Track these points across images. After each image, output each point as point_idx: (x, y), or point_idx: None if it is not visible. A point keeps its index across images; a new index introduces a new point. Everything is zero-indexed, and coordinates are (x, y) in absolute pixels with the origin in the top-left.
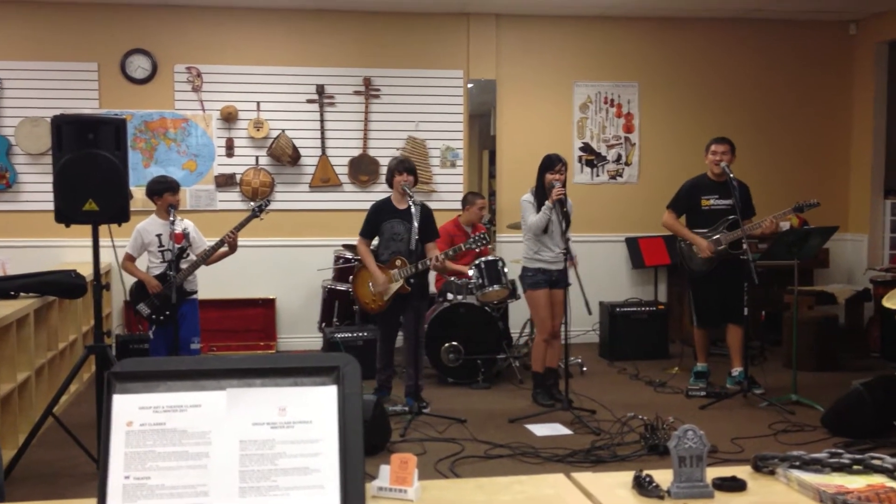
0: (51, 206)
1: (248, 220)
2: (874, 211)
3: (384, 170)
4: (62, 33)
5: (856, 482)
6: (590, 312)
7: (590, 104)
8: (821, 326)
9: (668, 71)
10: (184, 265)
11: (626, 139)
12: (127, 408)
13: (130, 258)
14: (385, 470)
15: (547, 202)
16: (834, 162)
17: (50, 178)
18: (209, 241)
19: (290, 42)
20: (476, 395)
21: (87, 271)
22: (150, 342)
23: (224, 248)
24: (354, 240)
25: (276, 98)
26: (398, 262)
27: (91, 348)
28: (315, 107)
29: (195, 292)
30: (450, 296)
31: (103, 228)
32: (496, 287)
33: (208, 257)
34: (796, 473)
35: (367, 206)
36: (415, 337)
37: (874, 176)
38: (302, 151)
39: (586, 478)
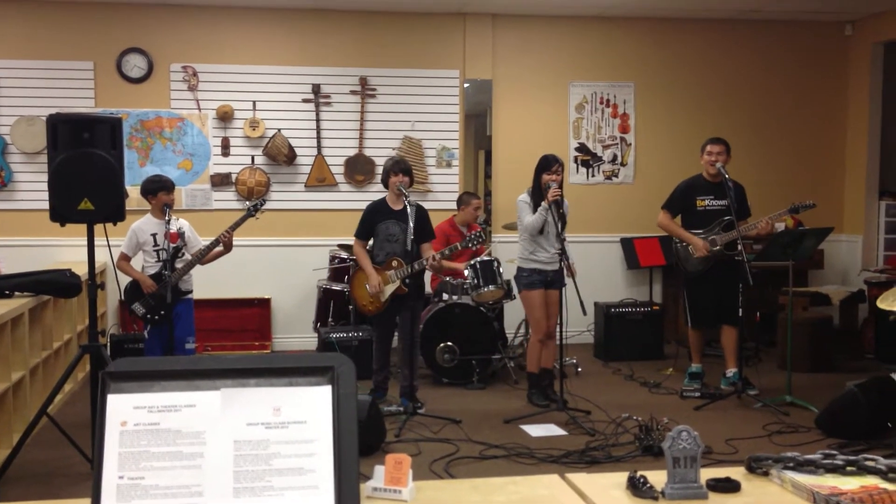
0: (46, 205)
1: (243, 220)
2: (869, 212)
3: (380, 170)
4: (58, 32)
5: (849, 483)
6: (585, 313)
7: (586, 104)
8: (815, 327)
9: (663, 71)
10: (179, 265)
11: (622, 139)
12: (121, 407)
13: (125, 257)
14: (380, 470)
15: (543, 203)
16: (829, 163)
17: (45, 177)
18: (204, 241)
19: (286, 41)
20: (471, 395)
21: (81, 270)
22: (145, 342)
23: (219, 248)
24: (350, 240)
25: (272, 97)
26: (394, 264)
27: (86, 348)
28: (311, 106)
29: (190, 292)
30: (445, 296)
31: (98, 227)
32: (491, 287)
33: (203, 257)
34: (790, 474)
35: (363, 206)
36: (410, 337)
37: (869, 177)
38: (298, 151)
39: (581, 478)
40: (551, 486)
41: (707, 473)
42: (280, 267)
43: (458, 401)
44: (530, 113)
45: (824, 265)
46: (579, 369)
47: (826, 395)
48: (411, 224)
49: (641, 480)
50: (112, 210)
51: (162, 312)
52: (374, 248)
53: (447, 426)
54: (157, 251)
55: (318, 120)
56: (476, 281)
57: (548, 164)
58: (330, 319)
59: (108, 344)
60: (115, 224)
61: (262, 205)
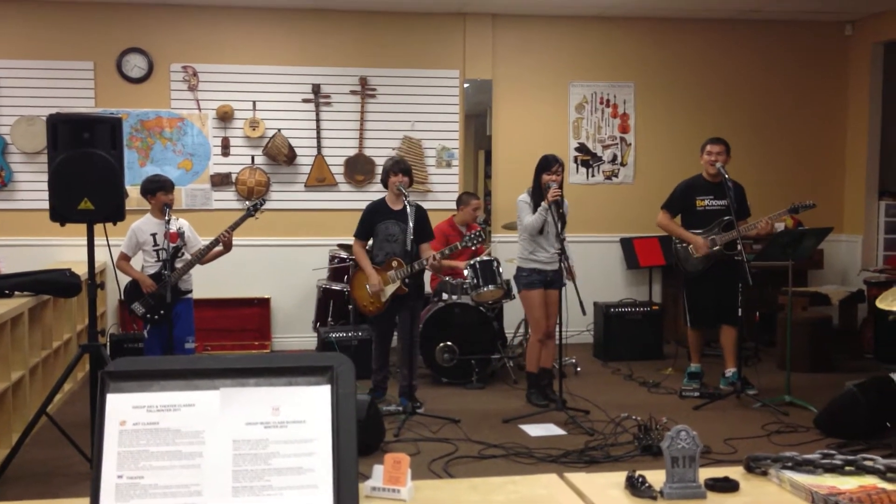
0: (46, 205)
1: (242, 220)
2: (868, 212)
3: (380, 170)
4: (58, 32)
5: (848, 483)
6: (584, 313)
7: (585, 104)
8: (815, 327)
9: (663, 71)
10: (178, 264)
11: (622, 139)
12: (120, 407)
13: (125, 257)
14: (378, 470)
15: (543, 203)
16: (829, 163)
17: (45, 177)
18: (204, 241)
19: (286, 41)
20: (470, 395)
21: (81, 270)
22: (145, 341)
23: (219, 248)
24: (350, 240)
25: (272, 97)
26: (395, 264)
27: (85, 347)
28: (311, 106)
29: (190, 291)
30: (444, 296)
31: (98, 227)
32: (491, 287)
33: (203, 256)
34: (788, 474)
35: (363, 206)
36: (409, 337)
37: (869, 177)
38: (298, 151)
39: (579, 478)
40: (550, 486)
41: (706, 473)
42: (280, 267)
43: (458, 400)
44: (530, 113)
45: (824, 265)
46: (578, 369)
47: (825, 394)
48: (411, 224)
49: (640, 480)
50: (112, 210)
51: (161, 312)
52: (374, 248)
53: (446, 426)
54: (156, 251)
55: (318, 120)
56: (476, 281)
57: (548, 164)
58: (329, 319)
59: (108, 343)
60: (114, 224)
61: (261, 204)
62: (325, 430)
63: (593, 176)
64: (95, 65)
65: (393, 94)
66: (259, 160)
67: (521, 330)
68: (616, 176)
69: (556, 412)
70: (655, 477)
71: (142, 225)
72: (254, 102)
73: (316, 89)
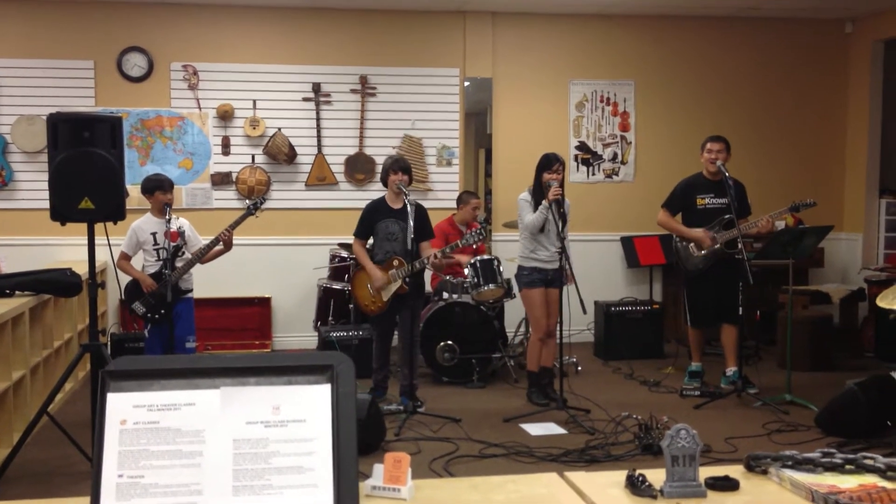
0: (46, 205)
1: (243, 219)
2: (869, 210)
3: (380, 168)
4: (58, 31)
5: (848, 482)
6: (585, 311)
7: (586, 102)
8: (815, 326)
9: (664, 69)
10: (179, 263)
11: (622, 138)
12: (121, 406)
13: (126, 257)
14: (379, 469)
15: (544, 202)
16: (829, 161)
17: (46, 177)
18: (204, 240)
19: (287, 40)
20: (471, 394)
21: (82, 270)
22: (146, 341)
23: (219, 247)
24: (350, 239)
25: (273, 96)
26: (395, 263)
27: (86, 347)
28: (311, 105)
29: (190, 291)
30: (445, 295)
31: (99, 227)
32: (491, 286)
33: (203, 256)
34: (789, 473)
35: (363, 204)
36: (410, 336)
37: (869, 175)
38: (298, 150)
39: (579, 477)
40: (550, 485)
41: (706, 472)
42: (280, 266)
43: (458, 399)
44: (530, 111)
45: (824, 263)
46: (579, 368)
47: (826, 393)
48: (411, 223)
49: (640, 479)
50: (112, 209)
51: (162, 311)
52: (374, 246)
53: (447, 425)
54: (157, 250)
55: (318, 119)
56: (476, 279)
57: (549, 162)
58: (330, 318)
59: (109, 343)
60: (115, 223)
61: (261, 203)
62: (325, 429)
63: (594, 174)
64: (95, 64)
65: (393, 93)
66: (259, 159)
67: (522, 329)
68: (616, 174)
69: (557, 411)
70: (656, 476)
71: (142, 224)
72: (254, 101)
73: (316, 88)
